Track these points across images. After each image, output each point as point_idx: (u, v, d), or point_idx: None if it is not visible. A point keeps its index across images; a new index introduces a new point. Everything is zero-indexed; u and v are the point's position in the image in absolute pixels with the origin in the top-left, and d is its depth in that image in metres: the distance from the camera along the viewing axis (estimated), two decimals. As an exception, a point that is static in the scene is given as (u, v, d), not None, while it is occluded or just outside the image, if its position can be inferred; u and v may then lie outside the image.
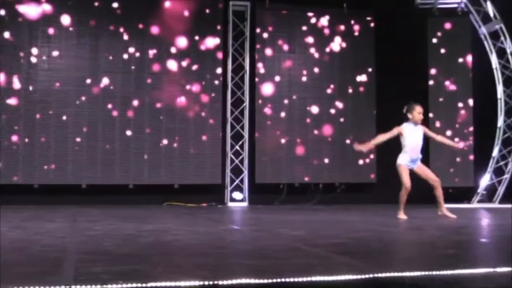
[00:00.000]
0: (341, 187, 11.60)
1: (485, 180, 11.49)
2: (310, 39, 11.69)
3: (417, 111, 8.02)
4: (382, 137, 8.11)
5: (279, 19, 11.63)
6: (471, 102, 11.88)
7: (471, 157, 11.76)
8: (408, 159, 7.99)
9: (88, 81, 10.58)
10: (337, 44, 11.80)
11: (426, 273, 3.27)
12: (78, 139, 10.49)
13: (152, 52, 10.89)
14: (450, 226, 6.93)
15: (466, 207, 10.85)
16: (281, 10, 11.63)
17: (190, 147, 10.97)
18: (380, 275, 3.23)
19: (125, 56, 10.77)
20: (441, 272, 3.29)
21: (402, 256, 4.45)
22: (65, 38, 10.57)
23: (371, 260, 3.88)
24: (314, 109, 11.59)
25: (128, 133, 10.71)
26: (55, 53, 10.49)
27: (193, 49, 11.10)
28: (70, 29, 10.58)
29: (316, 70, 11.67)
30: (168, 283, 2.90)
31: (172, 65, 10.98)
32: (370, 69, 11.87)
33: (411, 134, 8.02)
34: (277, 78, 11.48)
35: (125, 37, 10.80)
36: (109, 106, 10.66)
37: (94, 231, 5.76)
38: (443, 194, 8.12)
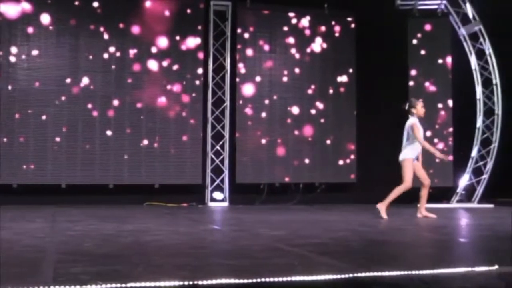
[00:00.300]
0: (321, 187, 11.62)
1: (464, 180, 11.57)
2: (291, 40, 11.69)
3: (420, 106, 8.34)
4: (423, 142, 8.16)
5: (260, 19, 11.62)
6: (450, 103, 11.97)
7: (451, 157, 11.84)
8: (416, 153, 8.09)
9: (68, 80, 10.50)
10: (318, 45, 11.82)
11: (406, 272, 3.29)
12: (57, 139, 10.40)
13: (132, 52, 10.83)
14: (429, 226, 6.99)
15: (445, 207, 10.93)
16: (262, 10, 11.62)
17: (170, 147, 10.93)
18: (360, 274, 3.25)
19: (106, 55, 10.70)
20: (421, 272, 3.32)
21: (382, 255, 4.48)
22: (45, 37, 10.47)
23: (351, 260, 3.90)
24: (295, 110, 11.60)
25: (108, 133, 10.64)
26: (35, 52, 10.39)
27: (174, 49, 11.06)
28: (50, 28, 10.49)
29: (297, 70, 11.69)
30: (148, 283, 2.90)
31: (152, 65, 10.93)
32: (350, 70, 11.90)
33: (421, 129, 8.19)
34: (258, 78, 11.48)
35: (106, 36, 10.73)
36: (89, 105, 10.59)
37: (73, 232, 5.73)
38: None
